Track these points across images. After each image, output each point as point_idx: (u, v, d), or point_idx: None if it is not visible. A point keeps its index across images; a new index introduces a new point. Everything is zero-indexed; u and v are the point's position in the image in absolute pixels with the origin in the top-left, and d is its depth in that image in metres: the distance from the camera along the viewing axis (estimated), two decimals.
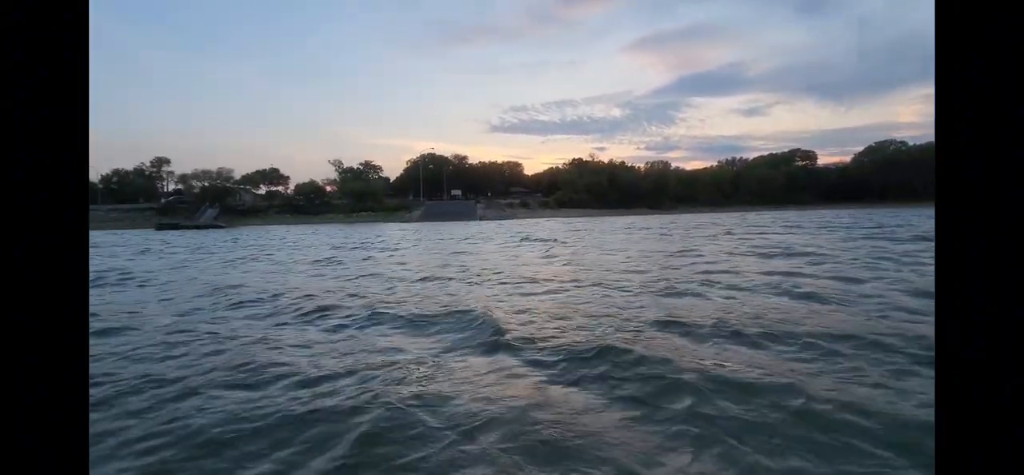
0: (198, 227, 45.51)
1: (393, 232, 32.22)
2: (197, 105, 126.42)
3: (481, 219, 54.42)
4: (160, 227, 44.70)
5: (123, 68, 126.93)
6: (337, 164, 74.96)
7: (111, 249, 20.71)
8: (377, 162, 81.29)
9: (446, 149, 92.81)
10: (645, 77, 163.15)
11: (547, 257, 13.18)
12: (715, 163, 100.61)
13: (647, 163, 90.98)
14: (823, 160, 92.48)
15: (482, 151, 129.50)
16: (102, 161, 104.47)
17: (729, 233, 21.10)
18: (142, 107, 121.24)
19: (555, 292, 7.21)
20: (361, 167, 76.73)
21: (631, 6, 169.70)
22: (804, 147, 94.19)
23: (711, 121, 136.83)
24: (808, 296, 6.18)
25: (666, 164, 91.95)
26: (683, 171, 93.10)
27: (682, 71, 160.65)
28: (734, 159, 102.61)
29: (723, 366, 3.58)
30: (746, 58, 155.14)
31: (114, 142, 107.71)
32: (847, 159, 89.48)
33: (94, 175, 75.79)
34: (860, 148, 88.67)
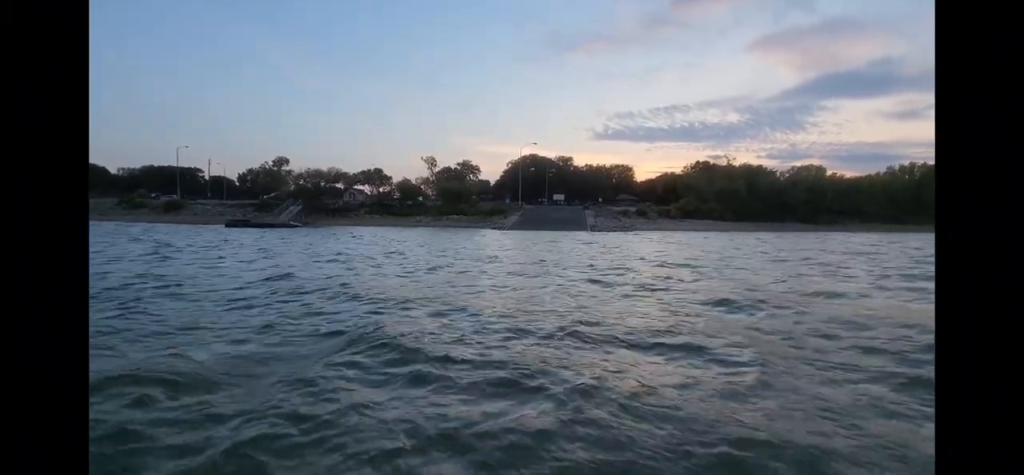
0: (271, 225, 41.94)
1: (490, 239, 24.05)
2: (325, 111, 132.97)
3: (593, 229, 44.58)
4: (230, 224, 41.86)
5: (266, 77, 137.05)
6: (430, 161, 68.05)
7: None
8: (482, 166, 75.08)
9: (549, 156, 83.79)
10: (770, 78, 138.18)
11: None
12: (881, 172, 78.54)
13: (790, 169, 73.58)
14: None
15: (583, 160, 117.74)
16: (241, 163, 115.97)
17: None
18: (282, 114, 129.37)
19: None
20: (458, 167, 70.78)
21: (758, 2, 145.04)
22: None
23: (852, 126, 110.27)
24: None
25: (821, 168, 73.51)
26: (842, 179, 73.81)
27: (816, 71, 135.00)
28: (912, 165, 79.47)
29: None
30: (900, 53, 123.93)
31: (257, 145, 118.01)
32: None
33: (232, 174, 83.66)
34: None
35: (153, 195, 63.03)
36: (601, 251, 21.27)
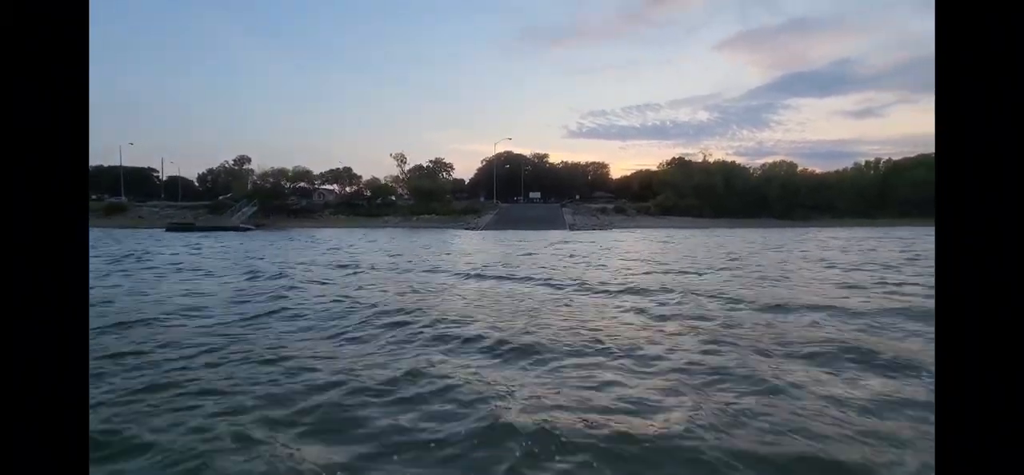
0: (219, 229, 38.29)
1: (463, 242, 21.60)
2: (292, 108, 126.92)
3: (571, 228, 42.68)
4: (170, 228, 37.99)
5: (230, 71, 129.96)
6: (399, 158, 64.63)
7: None
8: (455, 165, 72.18)
9: (523, 153, 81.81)
10: (738, 77, 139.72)
11: None
12: (847, 167, 79.38)
13: (761, 165, 73.67)
14: None
15: (558, 157, 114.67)
16: (203, 163, 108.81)
17: None
18: (247, 111, 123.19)
19: None
20: (430, 164, 67.71)
21: (730, 1, 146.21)
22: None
23: (813, 124, 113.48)
24: None
25: (792, 165, 73.86)
26: (813, 174, 74.36)
27: (780, 70, 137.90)
28: (877, 160, 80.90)
29: None
30: (859, 53, 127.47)
31: (220, 144, 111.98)
32: None
33: (191, 174, 79.27)
34: None
35: (94, 197, 57.82)
36: (618, 257, 19.17)
